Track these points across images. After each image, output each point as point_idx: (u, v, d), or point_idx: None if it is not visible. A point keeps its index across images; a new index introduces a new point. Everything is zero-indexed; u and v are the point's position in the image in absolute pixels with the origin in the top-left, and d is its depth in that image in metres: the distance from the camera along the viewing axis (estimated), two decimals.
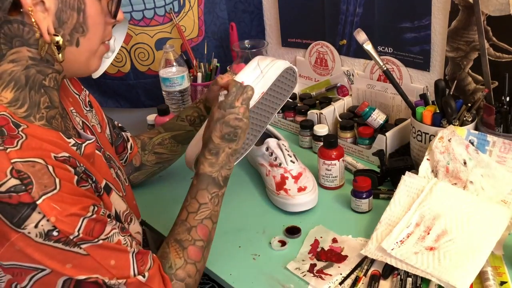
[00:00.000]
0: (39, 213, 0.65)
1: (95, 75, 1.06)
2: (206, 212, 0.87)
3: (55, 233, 0.66)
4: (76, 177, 0.72)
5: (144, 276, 0.76)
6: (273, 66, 1.02)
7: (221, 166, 0.88)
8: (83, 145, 0.79)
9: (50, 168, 0.68)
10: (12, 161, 0.66)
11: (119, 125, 1.14)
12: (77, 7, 0.74)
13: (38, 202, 0.65)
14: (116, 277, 0.73)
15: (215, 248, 0.95)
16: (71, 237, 0.68)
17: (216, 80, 1.04)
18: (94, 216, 0.71)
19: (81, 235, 0.69)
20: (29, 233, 0.65)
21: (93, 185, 0.77)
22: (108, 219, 0.74)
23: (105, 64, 1.08)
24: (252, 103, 1.00)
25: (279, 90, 1.05)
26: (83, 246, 0.69)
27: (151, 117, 1.42)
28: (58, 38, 0.73)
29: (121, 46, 1.14)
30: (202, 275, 0.99)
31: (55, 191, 0.67)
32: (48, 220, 0.66)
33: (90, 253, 0.70)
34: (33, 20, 0.70)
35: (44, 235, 0.66)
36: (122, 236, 0.76)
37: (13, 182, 0.65)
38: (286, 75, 1.04)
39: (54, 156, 0.70)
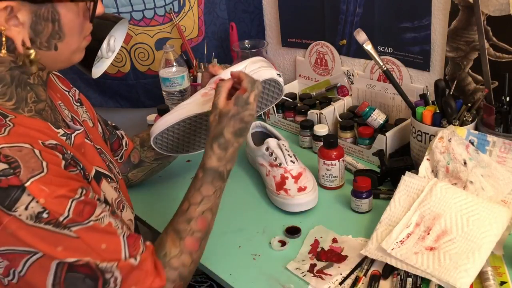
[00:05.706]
0: (29, 195, 0.66)
1: (95, 75, 1.05)
2: (208, 204, 0.87)
3: (45, 215, 0.67)
4: (63, 162, 0.73)
5: (136, 259, 0.76)
6: (257, 72, 0.99)
7: (228, 161, 0.88)
8: (73, 135, 0.81)
9: (37, 152, 0.70)
10: None
11: (113, 124, 1.15)
12: (51, 18, 0.74)
13: (26, 185, 0.66)
14: (107, 260, 0.72)
15: (215, 248, 0.95)
16: (61, 218, 0.68)
17: (208, 67, 1.05)
18: (83, 198, 0.72)
19: (71, 216, 0.69)
20: (20, 215, 0.66)
21: (81, 171, 0.77)
22: (98, 202, 0.75)
23: (105, 64, 1.08)
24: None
25: (259, 98, 1.03)
26: (73, 228, 0.70)
27: (151, 117, 1.42)
28: (31, 52, 0.74)
29: (121, 46, 1.13)
30: (201, 274, 0.99)
31: (42, 174, 0.68)
32: (37, 202, 0.67)
33: (80, 236, 0.70)
34: (3, 39, 0.71)
35: (35, 217, 0.67)
36: (113, 219, 0.76)
37: (1, 166, 0.66)
38: (268, 86, 1.02)
39: (42, 143, 0.72)
